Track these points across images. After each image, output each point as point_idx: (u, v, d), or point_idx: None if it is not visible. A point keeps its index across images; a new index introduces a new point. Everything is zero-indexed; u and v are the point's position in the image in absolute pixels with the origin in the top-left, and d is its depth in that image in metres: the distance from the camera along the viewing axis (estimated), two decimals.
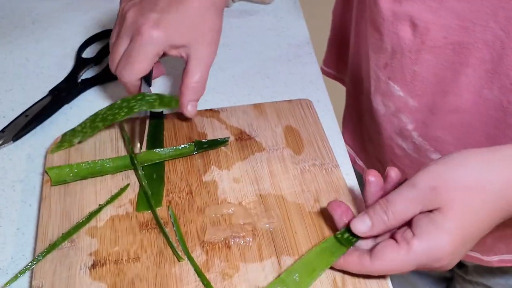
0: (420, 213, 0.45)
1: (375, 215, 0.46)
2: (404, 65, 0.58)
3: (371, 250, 0.46)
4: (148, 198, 0.54)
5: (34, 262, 0.49)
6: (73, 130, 0.59)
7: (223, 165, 0.58)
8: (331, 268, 0.48)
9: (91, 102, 0.66)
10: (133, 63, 0.55)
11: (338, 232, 0.49)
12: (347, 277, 0.49)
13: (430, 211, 0.45)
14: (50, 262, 0.49)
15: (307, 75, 0.72)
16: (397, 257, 0.45)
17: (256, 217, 0.53)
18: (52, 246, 0.50)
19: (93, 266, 0.49)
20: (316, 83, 0.71)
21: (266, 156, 0.59)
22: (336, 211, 0.50)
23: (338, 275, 0.49)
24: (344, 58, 0.80)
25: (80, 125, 0.59)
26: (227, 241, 0.51)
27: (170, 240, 0.50)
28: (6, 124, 0.62)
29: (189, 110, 0.59)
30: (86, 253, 0.50)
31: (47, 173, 0.55)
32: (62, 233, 0.51)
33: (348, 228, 0.48)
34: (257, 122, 0.63)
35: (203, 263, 0.49)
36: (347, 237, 0.48)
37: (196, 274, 0.48)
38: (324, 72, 0.85)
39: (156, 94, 0.58)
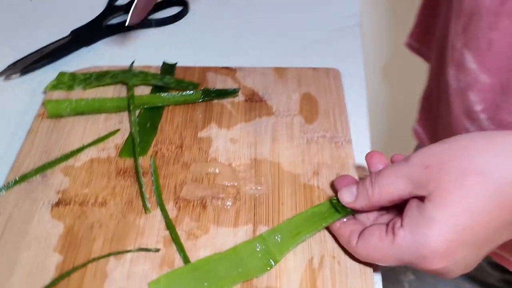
0: (414, 198, 0.38)
1: (361, 187, 0.41)
2: (480, 30, 0.49)
3: (362, 231, 0.41)
4: (134, 144, 0.50)
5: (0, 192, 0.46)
6: (73, 75, 0.57)
7: (224, 123, 0.53)
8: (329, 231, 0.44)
9: (111, 48, 0.64)
10: None
11: (334, 197, 0.44)
12: (326, 258, 0.42)
13: (423, 200, 0.37)
14: (16, 193, 0.46)
15: (346, 47, 0.65)
16: (380, 246, 0.38)
17: (242, 181, 0.48)
18: (23, 178, 0.47)
19: (57, 204, 0.46)
20: (355, 56, 0.64)
21: (274, 121, 0.53)
22: (340, 184, 0.45)
23: (317, 255, 0.43)
24: (434, 30, 0.71)
25: (84, 75, 0.57)
26: (204, 201, 0.46)
27: (143, 189, 0.46)
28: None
29: None
30: (54, 190, 0.47)
31: (45, 106, 0.53)
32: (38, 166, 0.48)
33: None
34: (275, 86, 0.57)
35: (172, 219, 0.45)
36: (343, 205, 0.43)
37: (159, 230, 0.44)
38: (410, 47, 0.77)
39: (176, 80, 0.57)
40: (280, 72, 0.59)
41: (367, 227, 0.41)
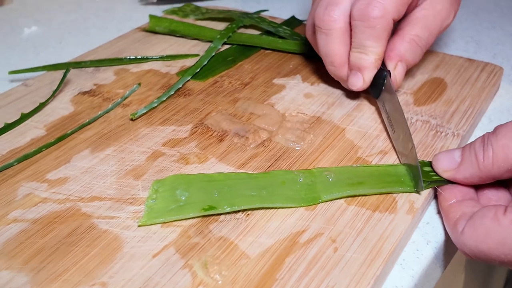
0: None
1: (468, 150, 0.30)
2: None
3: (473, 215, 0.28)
4: (197, 68, 0.43)
5: None
6: (198, 7, 0.53)
7: (310, 79, 0.43)
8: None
9: None
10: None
11: (419, 160, 0.32)
12: (322, 238, 0.28)
13: None
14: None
15: None
16: (495, 229, 0.26)
17: (283, 130, 0.37)
18: (76, 63, 0.44)
19: (85, 93, 0.41)
20: None
21: None
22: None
23: (312, 230, 0.29)
24: None
25: (206, 8, 0.53)
26: (224, 134, 0.36)
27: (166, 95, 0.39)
28: None
29: (398, 70, 0.38)
30: (93, 82, 0.43)
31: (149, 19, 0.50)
32: (110, 58, 0.45)
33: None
34: None
35: (178, 137, 0.36)
36: (429, 171, 0.32)
37: (155, 144, 0.36)
38: None
39: (292, 32, 0.48)
40: None
41: (479, 209, 0.28)
